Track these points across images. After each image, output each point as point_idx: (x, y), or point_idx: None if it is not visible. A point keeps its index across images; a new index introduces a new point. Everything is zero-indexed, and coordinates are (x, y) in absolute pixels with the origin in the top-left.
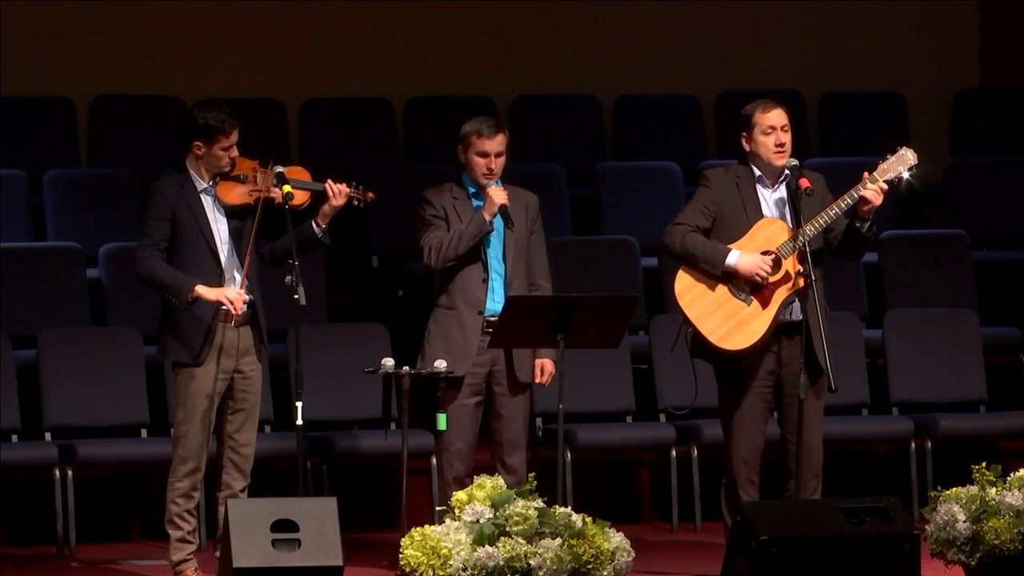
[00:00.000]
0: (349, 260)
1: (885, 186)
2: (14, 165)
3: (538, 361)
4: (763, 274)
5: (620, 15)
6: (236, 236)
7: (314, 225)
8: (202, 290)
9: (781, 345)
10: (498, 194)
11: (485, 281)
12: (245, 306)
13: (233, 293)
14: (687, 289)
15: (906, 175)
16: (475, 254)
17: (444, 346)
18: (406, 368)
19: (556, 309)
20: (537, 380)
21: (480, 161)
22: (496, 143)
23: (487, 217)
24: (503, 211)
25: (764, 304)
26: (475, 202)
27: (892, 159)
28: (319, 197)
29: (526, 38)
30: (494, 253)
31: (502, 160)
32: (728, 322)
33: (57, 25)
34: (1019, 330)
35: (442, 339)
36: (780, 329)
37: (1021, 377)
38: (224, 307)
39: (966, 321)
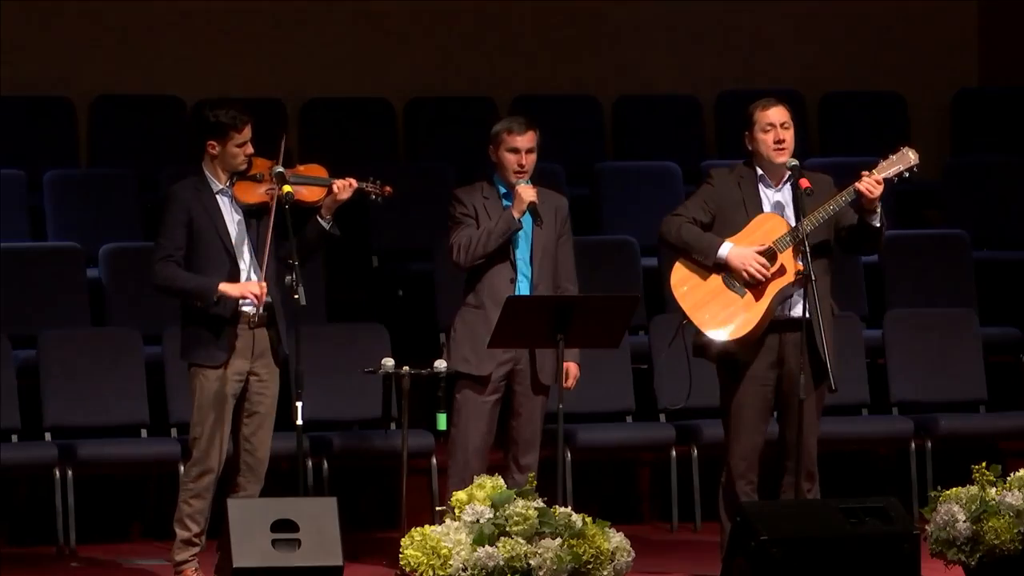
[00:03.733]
0: (349, 260)
1: (880, 178)
2: (14, 165)
3: (564, 364)
4: (752, 271)
5: (620, 15)
6: (254, 236)
7: (319, 219)
8: (226, 287)
9: (781, 342)
10: (527, 191)
11: (513, 281)
12: (262, 307)
13: (255, 287)
14: (682, 280)
15: (907, 174)
16: (503, 254)
17: (470, 345)
18: (406, 368)
19: (556, 309)
20: (564, 384)
21: (511, 157)
22: (527, 139)
23: (516, 215)
24: (532, 208)
25: (758, 297)
26: (505, 202)
27: (893, 158)
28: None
29: (526, 38)
30: (522, 255)
31: (533, 157)
32: (720, 313)
33: (57, 25)
34: (1019, 330)
35: (468, 338)
36: (780, 326)
37: (1021, 377)
38: (247, 301)
39: (966, 321)
